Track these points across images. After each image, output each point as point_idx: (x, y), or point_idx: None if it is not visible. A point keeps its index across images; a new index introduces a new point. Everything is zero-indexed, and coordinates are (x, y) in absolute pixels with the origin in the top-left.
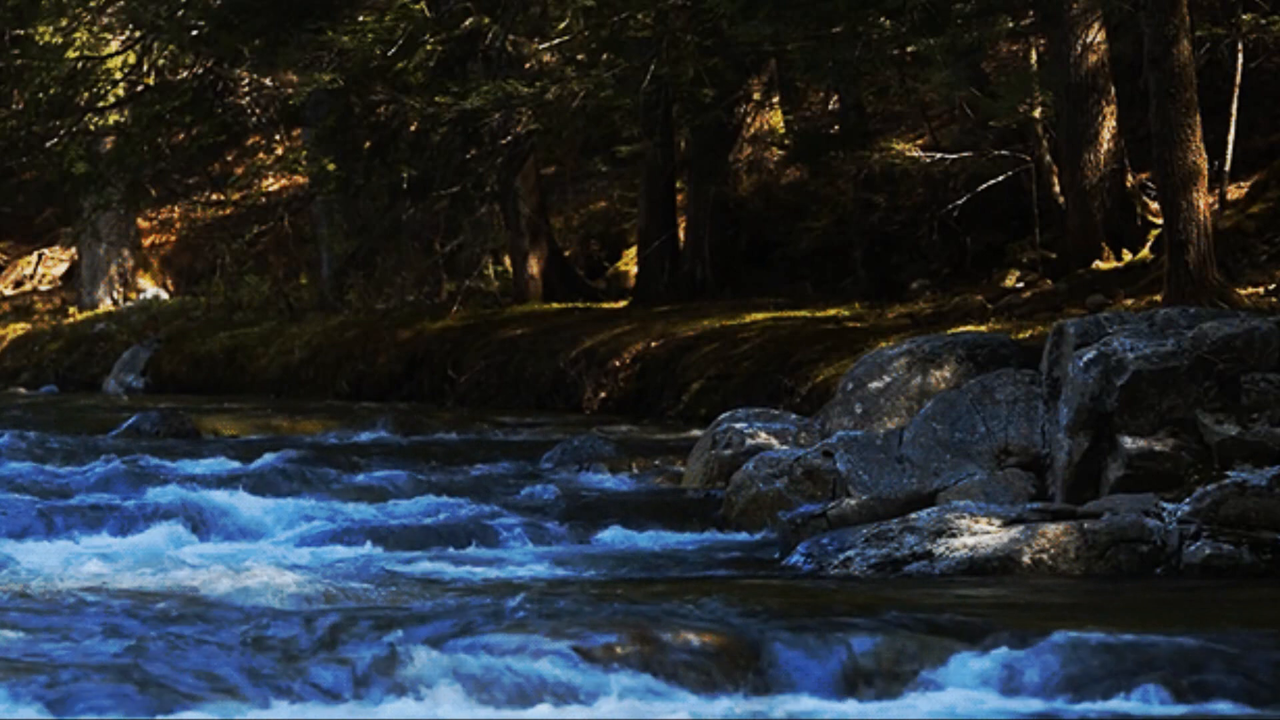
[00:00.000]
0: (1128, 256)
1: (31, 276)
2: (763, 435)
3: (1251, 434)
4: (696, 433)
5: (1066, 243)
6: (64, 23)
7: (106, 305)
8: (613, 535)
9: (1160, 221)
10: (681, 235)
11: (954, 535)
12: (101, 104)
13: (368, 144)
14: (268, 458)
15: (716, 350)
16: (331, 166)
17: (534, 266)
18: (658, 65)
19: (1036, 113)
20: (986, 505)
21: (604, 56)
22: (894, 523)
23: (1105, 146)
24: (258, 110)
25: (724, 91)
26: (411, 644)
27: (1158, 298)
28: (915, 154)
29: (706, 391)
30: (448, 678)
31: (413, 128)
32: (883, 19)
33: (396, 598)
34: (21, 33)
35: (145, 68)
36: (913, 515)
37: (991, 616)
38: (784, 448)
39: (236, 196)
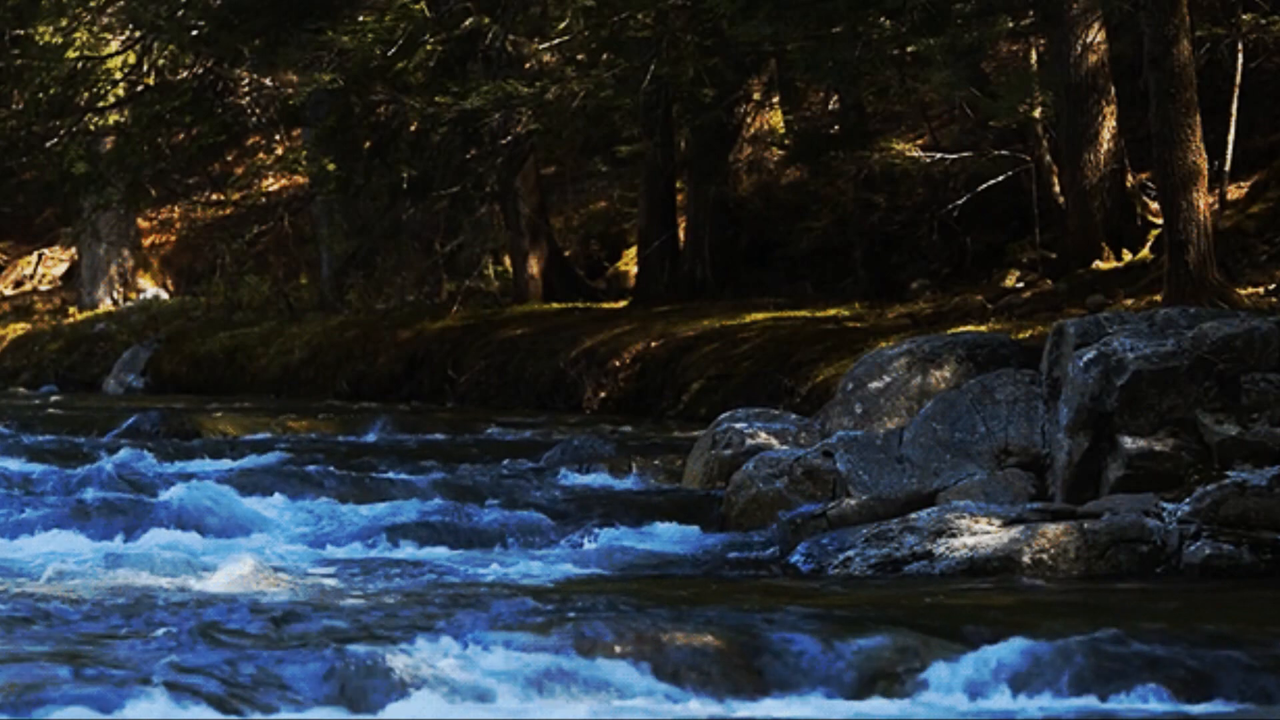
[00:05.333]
0: (1128, 256)
1: (31, 276)
2: (763, 435)
3: (1251, 434)
4: (696, 433)
5: (1066, 243)
6: (64, 23)
7: (106, 305)
8: (612, 535)
9: (1160, 221)
10: (681, 235)
11: (954, 535)
12: (101, 104)
13: (368, 144)
14: (268, 458)
15: (716, 350)
16: (331, 166)
17: (534, 266)
18: (658, 65)
19: (1036, 113)
20: (986, 505)
21: (604, 56)
22: (894, 523)
23: (1105, 146)
24: (258, 110)
25: (724, 91)
26: (411, 644)
27: (1158, 298)
28: (915, 154)
29: (706, 391)
30: (447, 677)
31: (413, 128)
32: (883, 19)
33: (395, 597)
34: (21, 33)
35: (145, 68)
36: (913, 515)
37: (991, 616)
38: (784, 448)
39: (236, 196)
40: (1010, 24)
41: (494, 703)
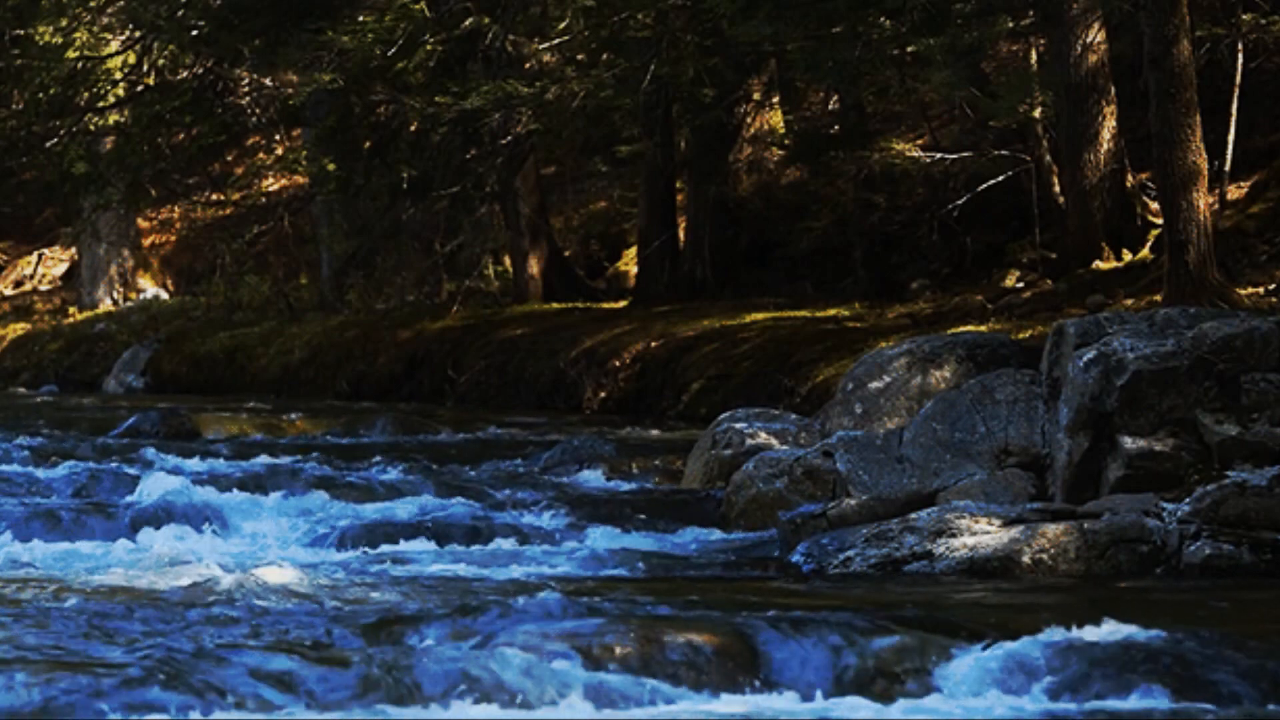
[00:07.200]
0: (1128, 256)
1: (31, 276)
2: (763, 435)
3: (1251, 434)
4: (697, 433)
5: (1066, 243)
6: (64, 23)
7: (106, 305)
8: (612, 535)
9: (1160, 221)
10: (681, 235)
11: (954, 535)
12: (101, 104)
13: (368, 144)
14: (268, 458)
15: (716, 350)
16: (331, 166)
17: (534, 266)
18: (658, 65)
19: (1036, 113)
20: (986, 505)
21: (604, 56)
22: (894, 523)
23: (1105, 146)
24: (258, 110)
25: (724, 91)
26: (410, 644)
27: (1158, 298)
28: (915, 154)
29: (706, 391)
30: (447, 678)
31: (413, 128)
32: (883, 19)
33: (395, 597)
34: (21, 33)
35: (145, 68)
36: (913, 515)
37: (991, 616)
38: (784, 448)
39: (236, 196)
40: (1010, 24)
41: (493, 703)
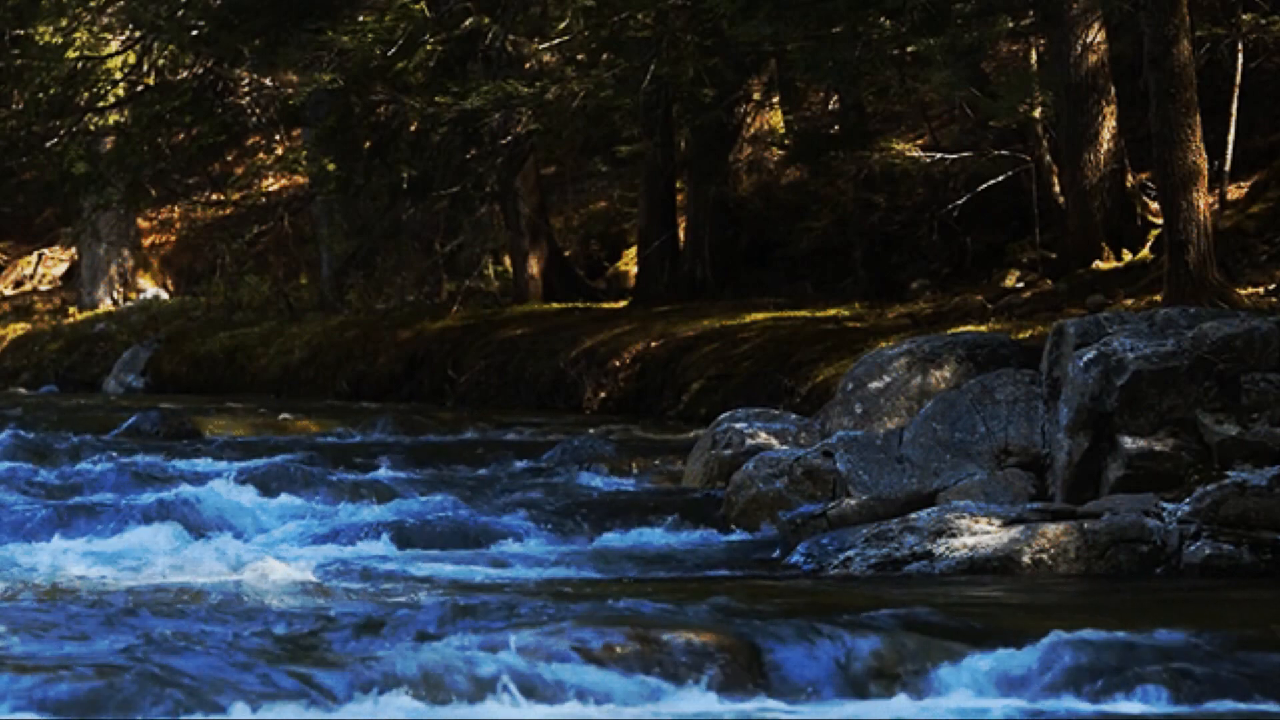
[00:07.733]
0: (1128, 256)
1: (31, 276)
2: (763, 435)
3: (1251, 434)
4: (697, 433)
5: (1066, 243)
6: (64, 23)
7: (106, 305)
8: (613, 535)
9: (1160, 221)
10: (681, 235)
11: (954, 535)
12: (101, 104)
13: (368, 144)
14: (268, 458)
15: (716, 350)
16: (331, 166)
17: (534, 266)
18: (658, 65)
19: (1036, 113)
20: (986, 505)
21: (604, 56)
22: (894, 523)
23: (1105, 146)
24: (258, 110)
25: (724, 91)
26: (411, 644)
27: (1158, 298)
28: (915, 154)
29: (706, 391)
30: (447, 678)
31: (413, 128)
32: (883, 19)
33: (396, 597)
34: (21, 33)
35: (145, 68)
36: (913, 515)
37: (991, 616)
38: (784, 448)
39: (236, 196)
40: (1010, 24)
41: (494, 704)
